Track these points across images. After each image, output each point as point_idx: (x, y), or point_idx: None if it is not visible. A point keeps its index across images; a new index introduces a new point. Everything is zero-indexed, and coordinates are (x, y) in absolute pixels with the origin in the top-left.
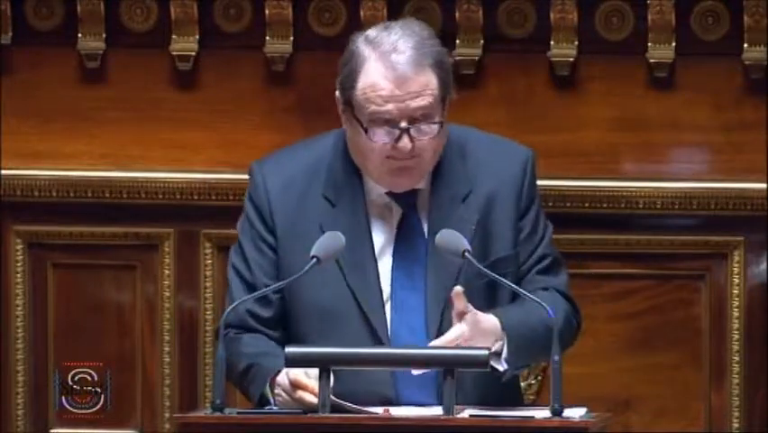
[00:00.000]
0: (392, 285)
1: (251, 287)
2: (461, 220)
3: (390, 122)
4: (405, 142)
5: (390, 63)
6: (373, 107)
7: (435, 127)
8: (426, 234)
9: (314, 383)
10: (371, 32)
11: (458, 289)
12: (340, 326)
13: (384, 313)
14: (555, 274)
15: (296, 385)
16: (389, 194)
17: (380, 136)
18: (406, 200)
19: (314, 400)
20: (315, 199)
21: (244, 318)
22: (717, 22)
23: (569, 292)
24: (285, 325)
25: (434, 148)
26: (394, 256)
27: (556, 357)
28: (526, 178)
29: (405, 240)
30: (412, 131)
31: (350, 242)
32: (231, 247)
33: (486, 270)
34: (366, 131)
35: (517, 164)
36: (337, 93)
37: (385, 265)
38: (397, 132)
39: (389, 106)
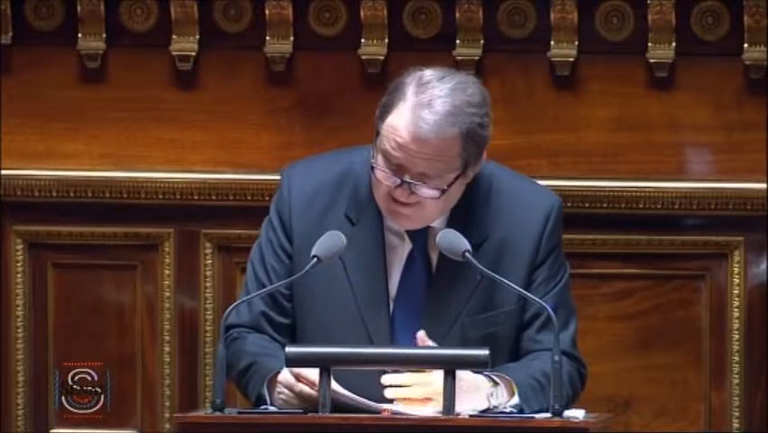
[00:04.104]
0: (392, 321)
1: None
2: (466, 271)
3: (396, 169)
4: (401, 192)
5: (418, 117)
6: (388, 147)
7: (435, 192)
8: (433, 273)
9: (315, 377)
10: (427, 74)
11: (420, 334)
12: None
13: (389, 343)
14: (562, 328)
15: (299, 378)
16: None
17: (382, 176)
18: (417, 236)
19: (314, 393)
20: (336, 216)
21: (258, 320)
22: (717, 22)
23: (573, 350)
24: (294, 336)
25: (438, 206)
26: (397, 293)
27: (556, 357)
28: (547, 229)
29: (409, 277)
30: (412, 186)
31: (363, 267)
32: (231, 245)
33: (487, 270)
34: (373, 167)
35: (540, 215)
36: (377, 112)
37: (393, 293)
38: (398, 180)
39: (400, 155)
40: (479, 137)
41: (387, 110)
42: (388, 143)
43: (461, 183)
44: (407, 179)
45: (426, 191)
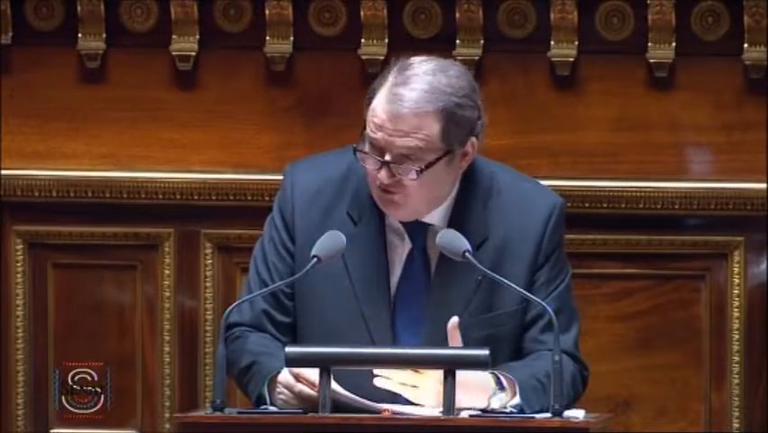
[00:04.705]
0: (394, 320)
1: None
2: (466, 271)
3: (377, 150)
4: (383, 175)
5: (394, 96)
6: (368, 131)
7: (413, 172)
8: (432, 273)
9: (315, 377)
10: (412, 59)
11: (454, 319)
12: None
13: (390, 342)
14: (565, 330)
15: (299, 378)
16: (403, 223)
17: (364, 159)
18: (417, 236)
19: (313, 393)
20: (338, 215)
21: (259, 319)
22: (717, 22)
23: (576, 351)
24: (295, 334)
25: (422, 191)
26: (398, 292)
27: (556, 357)
28: (548, 230)
29: (409, 277)
30: (392, 167)
31: (365, 265)
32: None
33: (488, 271)
34: (355, 150)
35: (541, 215)
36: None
37: (394, 292)
38: (379, 162)
39: (378, 135)
40: (460, 118)
41: (371, 96)
42: (369, 127)
43: (446, 168)
44: (388, 158)
45: (405, 169)
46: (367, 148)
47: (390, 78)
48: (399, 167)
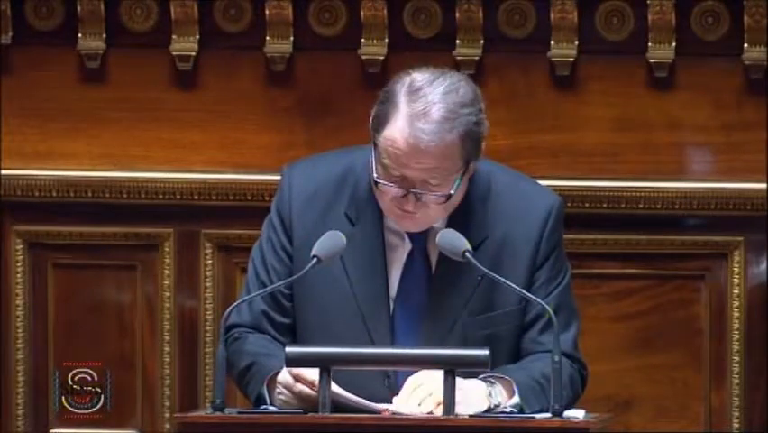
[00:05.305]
0: (393, 321)
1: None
2: (466, 271)
3: (399, 180)
4: (407, 201)
5: (415, 129)
6: (388, 161)
7: (441, 198)
8: (433, 272)
9: (315, 377)
10: (417, 79)
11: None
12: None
13: (390, 343)
14: (564, 330)
15: (298, 378)
16: None
17: (387, 189)
18: (418, 236)
19: (313, 393)
20: (336, 215)
21: (259, 320)
22: (717, 22)
23: (574, 351)
24: (294, 335)
25: (443, 207)
26: (397, 293)
27: (556, 358)
28: (546, 229)
29: (409, 277)
30: (417, 195)
31: (364, 266)
32: (229, 242)
33: (487, 270)
34: (376, 182)
35: (539, 215)
36: (371, 123)
37: (393, 292)
38: (402, 191)
39: (401, 167)
40: (476, 134)
41: (381, 122)
42: (388, 157)
43: (464, 181)
44: (412, 189)
45: (432, 197)
46: (382, 173)
47: (403, 106)
48: (424, 194)
